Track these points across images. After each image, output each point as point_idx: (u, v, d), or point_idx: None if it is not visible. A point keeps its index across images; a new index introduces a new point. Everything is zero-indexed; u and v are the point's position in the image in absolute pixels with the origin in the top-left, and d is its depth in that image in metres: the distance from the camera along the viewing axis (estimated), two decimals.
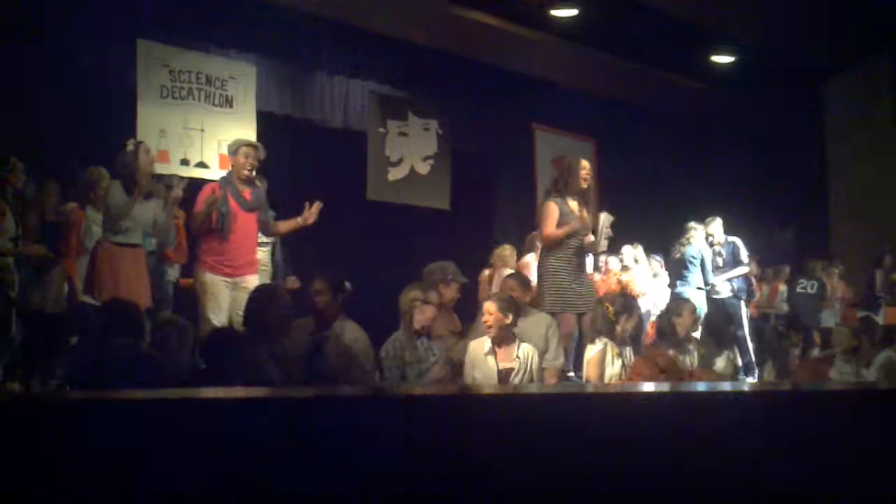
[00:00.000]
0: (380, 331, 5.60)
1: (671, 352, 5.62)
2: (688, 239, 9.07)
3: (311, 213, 6.38)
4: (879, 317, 10.14)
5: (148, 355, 4.82)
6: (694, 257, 8.97)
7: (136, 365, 4.44)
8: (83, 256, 6.44)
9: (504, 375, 5.22)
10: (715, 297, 8.85)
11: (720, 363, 5.80)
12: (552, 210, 6.29)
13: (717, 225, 9.02)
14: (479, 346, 5.32)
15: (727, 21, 10.81)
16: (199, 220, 6.08)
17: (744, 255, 8.94)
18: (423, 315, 5.26)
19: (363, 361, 5.18)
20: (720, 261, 8.93)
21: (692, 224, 9.15)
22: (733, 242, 8.98)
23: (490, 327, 5.28)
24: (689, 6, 10.26)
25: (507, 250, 8.67)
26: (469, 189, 11.28)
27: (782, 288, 11.00)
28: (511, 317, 5.31)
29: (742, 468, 2.33)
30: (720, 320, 6.85)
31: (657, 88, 11.96)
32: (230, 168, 6.42)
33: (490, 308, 5.33)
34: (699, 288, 8.89)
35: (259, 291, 5.17)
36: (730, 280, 8.90)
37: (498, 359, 5.27)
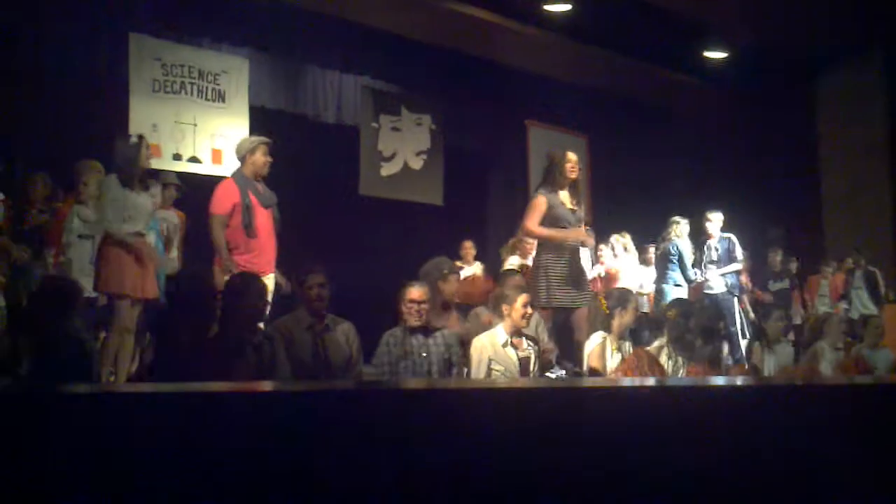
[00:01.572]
0: (371, 325, 5.58)
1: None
2: (668, 235, 9.03)
3: None
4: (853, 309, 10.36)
5: (74, 335, 4.66)
6: (672, 254, 8.93)
7: (63, 345, 4.33)
8: (69, 249, 6.41)
9: (524, 365, 5.30)
10: (708, 291, 8.81)
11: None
12: (539, 203, 6.27)
13: (716, 218, 8.93)
14: (494, 338, 5.32)
15: (721, 17, 10.81)
16: (219, 227, 5.84)
17: (739, 252, 8.89)
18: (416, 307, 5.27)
19: (356, 361, 5.22)
20: (714, 255, 8.87)
21: (675, 218, 9.08)
22: (729, 238, 8.91)
23: (524, 317, 5.34)
24: (684, 2, 10.25)
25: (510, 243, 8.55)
26: (462, 184, 11.27)
27: None
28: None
29: (741, 463, 2.32)
30: (709, 316, 6.81)
31: (651, 84, 11.95)
32: (242, 165, 6.15)
33: (525, 300, 5.37)
34: (677, 284, 8.87)
35: (234, 280, 5.03)
36: (724, 276, 8.86)
37: (517, 349, 5.36)
